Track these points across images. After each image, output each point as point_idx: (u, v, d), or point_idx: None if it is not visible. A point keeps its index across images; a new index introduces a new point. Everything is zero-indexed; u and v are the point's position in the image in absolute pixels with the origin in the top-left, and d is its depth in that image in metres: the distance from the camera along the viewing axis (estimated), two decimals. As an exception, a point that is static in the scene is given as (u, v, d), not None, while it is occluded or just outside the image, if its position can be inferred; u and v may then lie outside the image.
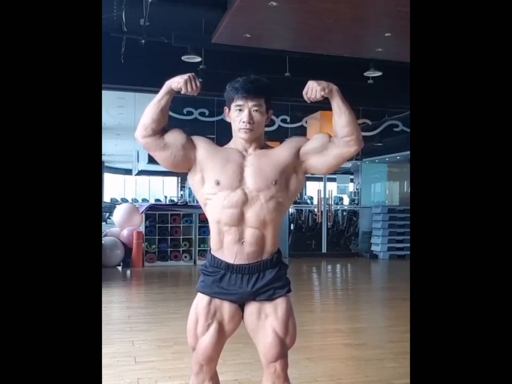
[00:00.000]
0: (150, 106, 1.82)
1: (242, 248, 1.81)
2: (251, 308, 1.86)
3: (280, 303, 1.85)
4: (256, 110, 1.80)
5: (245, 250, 1.81)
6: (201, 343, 1.85)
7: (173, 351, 3.62)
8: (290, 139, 1.95)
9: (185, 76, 1.83)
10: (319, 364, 3.38)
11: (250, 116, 1.79)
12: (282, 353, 1.84)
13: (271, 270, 1.85)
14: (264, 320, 1.85)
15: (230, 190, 1.79)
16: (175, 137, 1.85)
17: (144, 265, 7.98)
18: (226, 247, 1.83)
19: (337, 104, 1.79)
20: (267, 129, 1.89)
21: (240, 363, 3.26)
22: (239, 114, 1.80)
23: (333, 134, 1.86)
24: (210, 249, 1.91)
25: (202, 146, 1.86)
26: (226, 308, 1.85)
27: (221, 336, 1.86)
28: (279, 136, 9.39)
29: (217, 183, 1.80)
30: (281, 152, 1.86)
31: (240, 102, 1.79)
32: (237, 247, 1.81)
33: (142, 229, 8.21)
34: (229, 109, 1.85)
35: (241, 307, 1.88)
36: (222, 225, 1.81)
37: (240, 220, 1.80)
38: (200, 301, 1.88)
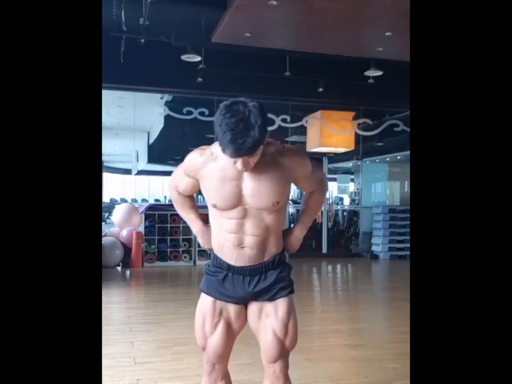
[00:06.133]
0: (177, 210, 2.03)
1: (242, 252, 1.80)
2: (253, 308, 1.86)
3: (281, 303, 1.84)
4: (251, 157, 1.64)
5: (246, 254, 1.81)
6: (211, 342, 1.86)
7: (173, 351, 3.61)
8: (296, 155, 1.82)
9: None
10: (320, 364, 3.37)
11: (244, 164, 1.65)
12: (281, 354, 1.84)
13: (273, 272, 1.84)
14: (265, 319, 1.85)
15: (228, 209, 1.75)
16: (188, 189, 1.94)
17: (143, 265, 7.98)
18: (227, 250, 1.82)
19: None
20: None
21: (241, 364, 3.24)
22: (231, 159, 1.65)
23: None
24: (212, 249, 1.91)
25: (200, 174, 1.80)
26: (231, 308, 1.86)
27: (230, 334, 1.87)
28: (279, 136, 9.39)
29: (214, 206, 1.77)
30: (281, 170, 1.75)
31: (231, 157, 1.63)
32: (237, 251, 1.80)
33: (141, 229, 8.21)
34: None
35: (246, 306, 1.88)
36: (223, 232, 1.81)
37: (239, 229, 1.78)
38: (205, 300, 1.88)
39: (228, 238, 1.79)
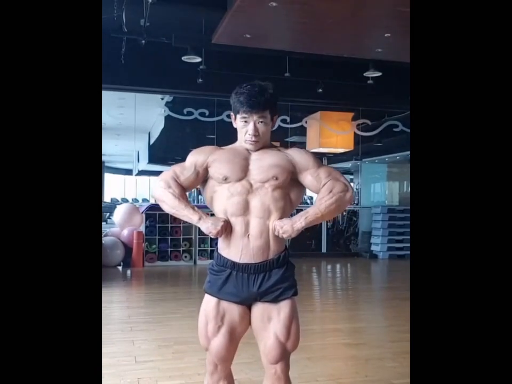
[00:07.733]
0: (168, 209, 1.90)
1: (248, 243, 1.81)
2: (256, 310, 1.86)
3: (284, 306, 1.84)
4: (261, 122, 1.84)
5: (251, 245, 1.81)
6: (214, 344, 1.86)
7: (173, 350, 3.63)
8: (301, 150, 1.97)
9: (219, 228, 1.81)
10: (319, 363, 3.38)
11: (255, 129, 1.84)
12: (283, 356, 1.84)
13: (278, 270, 1.84)
14: (267, 322, 1.84)
15: (235, 181, 1.84)
16: (191, 179, 1.92)
17: (144, 265, 7.99)
18: (233, 242, 1.83)
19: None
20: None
21: (240, 363, 3.25)
22: (244, 126, 1.85)
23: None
24: (217, 248, 1.91)
25: (212, 158, 1.89)
26: (234, 310, 1.85)
27: (233, 337, 1.86)
28: (279, 136, 9.40)
29: (225, 179, 1.84)
30: (285, 155, 1.90)
31: (245, 115, 1.84)
32: (242, 242, 1.81)
33: (142, 229, 8.22)
34: (235, 117, 1.90)
35: (249, 307, 1.88)
36: (229, 216, 1.83)
37: (245, 209, 1.81)
38: (209, 302, 1.88)
39: (235, 222, 1.82)
